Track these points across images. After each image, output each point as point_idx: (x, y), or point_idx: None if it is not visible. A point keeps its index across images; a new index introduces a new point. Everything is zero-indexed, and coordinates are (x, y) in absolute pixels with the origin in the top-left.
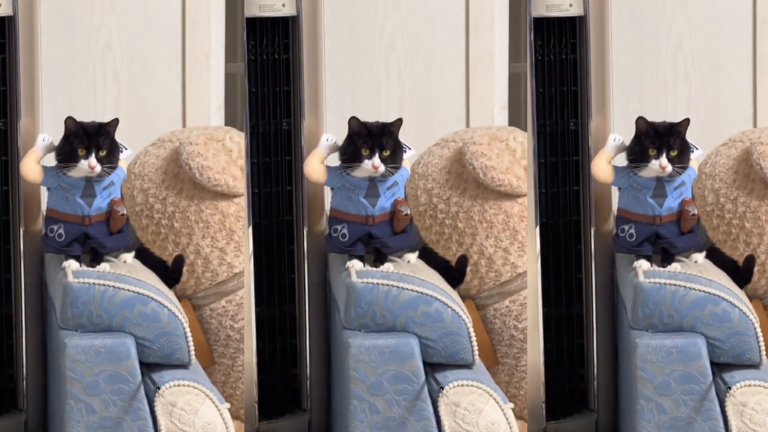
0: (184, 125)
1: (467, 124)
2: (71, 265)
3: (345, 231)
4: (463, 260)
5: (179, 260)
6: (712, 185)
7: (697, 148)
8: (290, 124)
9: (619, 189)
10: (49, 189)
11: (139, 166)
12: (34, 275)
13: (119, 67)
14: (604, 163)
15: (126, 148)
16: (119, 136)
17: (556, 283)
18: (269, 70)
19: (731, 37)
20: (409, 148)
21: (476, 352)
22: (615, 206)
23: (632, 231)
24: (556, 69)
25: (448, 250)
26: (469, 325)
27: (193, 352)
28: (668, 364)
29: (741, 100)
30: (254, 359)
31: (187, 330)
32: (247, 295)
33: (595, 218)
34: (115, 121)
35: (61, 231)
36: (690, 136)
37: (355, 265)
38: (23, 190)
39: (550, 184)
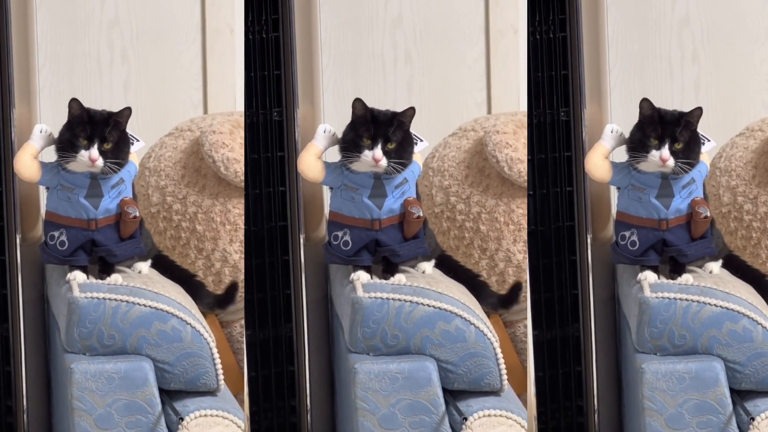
0: (205, 111)
1: (489, 111)
2: (77, 277)
3: (347, 238)
4: (517, 289)
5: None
6: (727, 182)
7: (708, 140)
8: (282, 114)
9: (619, 189)
10: (48, 189)
11: (155, 160)
12: (33, 290)
13: (128, 45)
14: (600, 159)
15: (138, 140)
16: (129, 124)
17: (547, 300)
18: (256, 51)
19: (746, 8)
20: (421, 140)
21: (505, 377)
22: (615, 209)
23: (634, 238)
24: (543, 50)
25: (469, 257)
26: (496, 344)
27: (221, 377)
28: (681, 392)
29: (759, 82)
30: (246, 389)
31: (215, 351)
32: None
33: (591, 224)
34: (127, 111)
35: (64, 238)
36: (700, 125)
37: (361, 277)
38: (19, 191)
39: (539, 184)
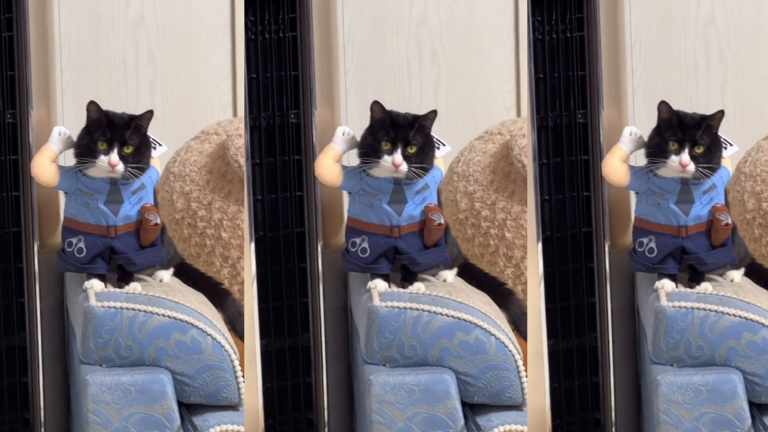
0: (234, 114)
1: (518, 113)
2: (94, 285)
3: (365, 245)
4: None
5: None
6: (752, 188)
7: (731, 144)
8: (299, 116)
9: (637, 194)
10: (66, 194)
11: (180, 164)
12: (52, 299)
13: (154, 45)
14: (618, 163)
15: (160, 145)
16: (156, 128)
17: (563, 309)
18: (272, 51)
19: None
20: (444, 144)
21: (527, 391)
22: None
23: (653, 245)
24: (559, 50)
25: (494, 265)
26: (518, 357)
27: (243, 390)
28: (697, 405)
29: None
30: (260, 401)
31: (236, 363)
32: (249, 323)
33: (609, 230)
34: (149, 114)
35: (82, 245)
36: (724, 128)
37: (378, 285)
38: (37, 196)
39: (555, 189)
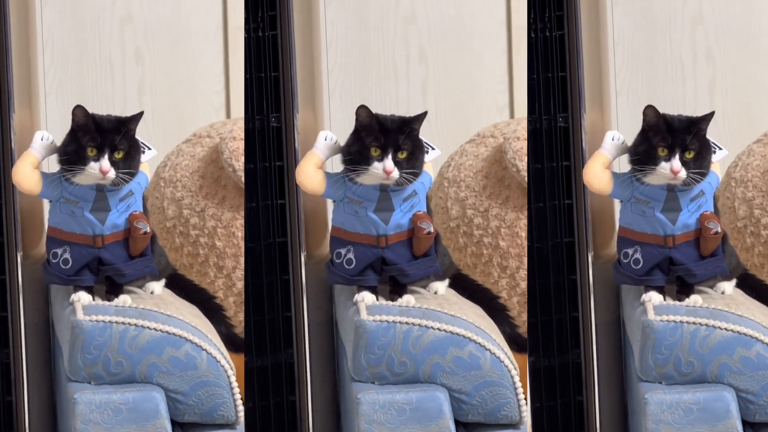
0: (228, 116)
1: (511, 115)
2: (81, 298)
3: (351, 255)
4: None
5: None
6: (743, 194)
7: (720, 148)
8: (280, 120)
9: (621, 202)
10: (51, 202)
11: (170, 169)
12: (36, 313)
13: (142, 44)
14: (600, 169)
15: (149, 148)
16: (145, 131)
17: (545, 324)
18: (252, 51)
19: (764, 3)
20: (433, 148)
21: (524, 408)
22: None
23: (638, 256)
24: (538, 50)
25: (488, 276)
26: (515, 372)
27: (241, 408)
28: (688, 425)
29: None
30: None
31: (233, 379)
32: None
33: (593, 240)
34: (139, 116)
35: (67, 255)
36: (713, 132)
37: (366, 298)
38: (21, 204)
39: (535, 196)
